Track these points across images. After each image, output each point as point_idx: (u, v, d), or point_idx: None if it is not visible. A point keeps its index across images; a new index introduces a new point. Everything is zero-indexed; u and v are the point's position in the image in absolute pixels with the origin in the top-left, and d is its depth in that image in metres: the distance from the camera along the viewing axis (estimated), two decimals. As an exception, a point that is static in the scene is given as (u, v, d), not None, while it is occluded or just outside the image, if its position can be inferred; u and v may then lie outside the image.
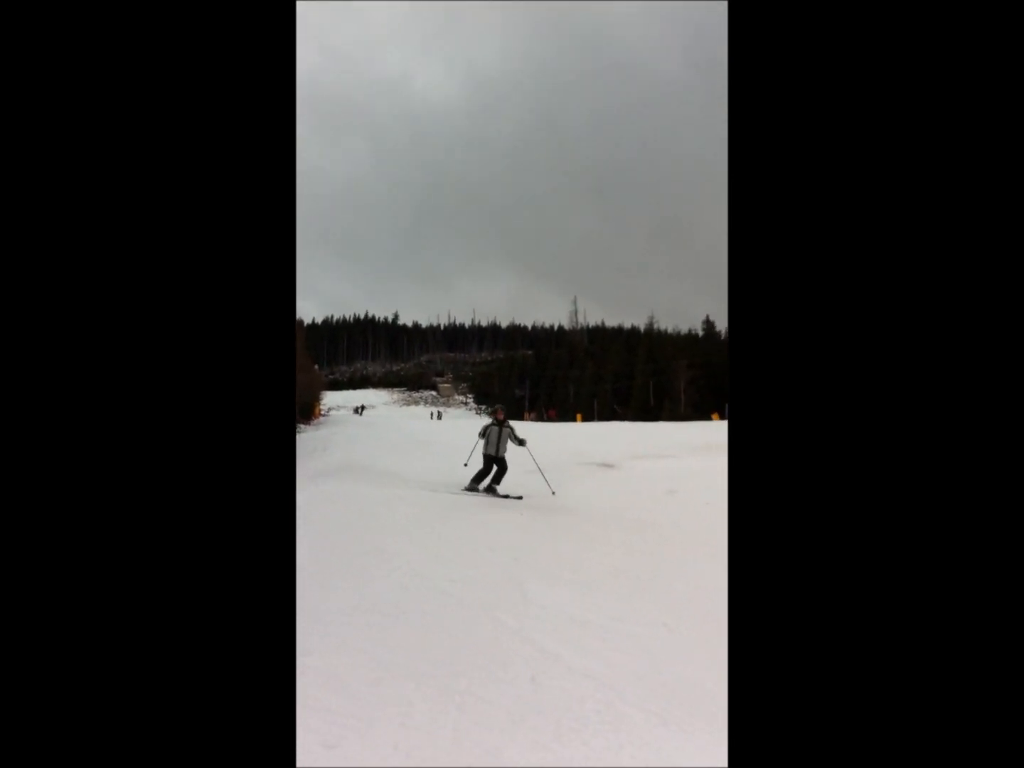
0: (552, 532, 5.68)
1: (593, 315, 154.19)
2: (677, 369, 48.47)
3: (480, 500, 7.40)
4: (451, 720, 2.17)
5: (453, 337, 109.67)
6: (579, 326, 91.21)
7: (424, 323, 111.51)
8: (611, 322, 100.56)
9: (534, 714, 2.23)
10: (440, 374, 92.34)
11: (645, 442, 15.53)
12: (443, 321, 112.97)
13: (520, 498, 7.65)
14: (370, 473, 9.32)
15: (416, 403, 77.07)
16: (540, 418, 47.99)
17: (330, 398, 50.29)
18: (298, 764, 1.61)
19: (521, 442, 8.22)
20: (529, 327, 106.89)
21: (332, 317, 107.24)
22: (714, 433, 16.13)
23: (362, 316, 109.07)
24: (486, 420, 10.91)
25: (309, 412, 25.11)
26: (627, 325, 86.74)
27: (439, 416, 52.07)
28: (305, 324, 77.65)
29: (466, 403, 78.72)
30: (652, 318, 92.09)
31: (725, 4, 1.57)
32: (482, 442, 8.18)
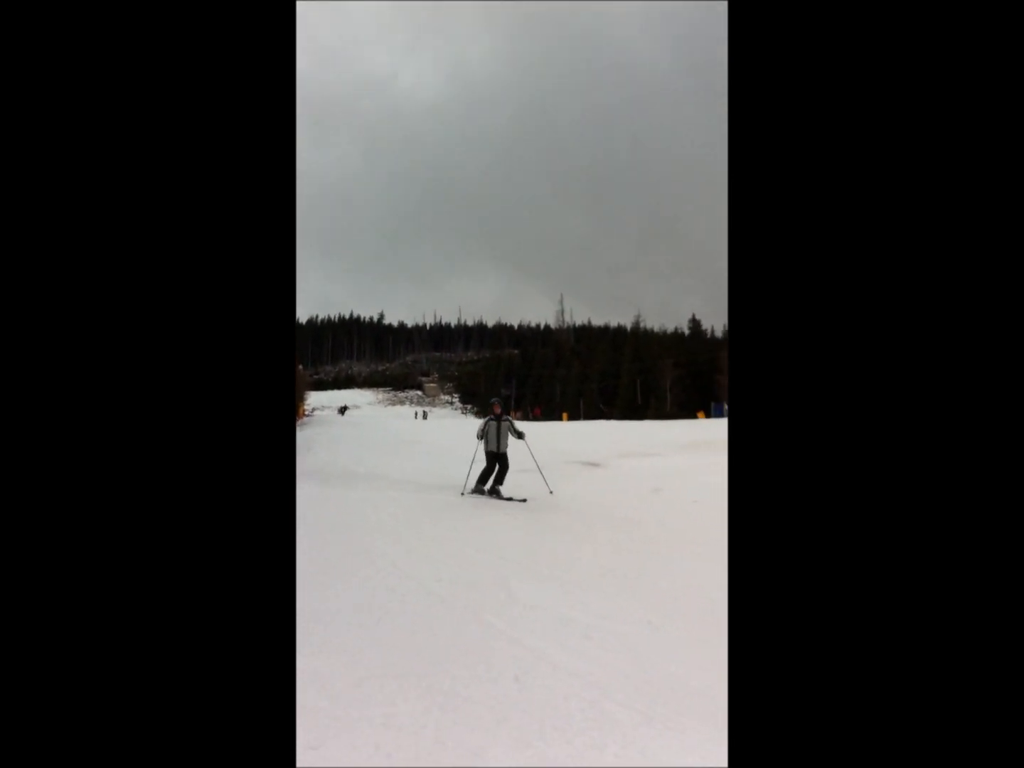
0: (539, 530, 5.68)
1: (580, 314, 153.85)
2: (663, 368, 48.86)
3: (467, 500, 7.33)
4: (434, 720, 2.15)
5: (439, 336, 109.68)
6: (565, 325, 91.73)
7: (410, 322, 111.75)
8: (597, 321, 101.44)
9: (518, 713, 2.22)
10: (426, 374, 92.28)
11: (631, 440, 15.62)
12: (429, 320, 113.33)
13: (524, 501, 7.30)
14: (355, 474, 9.27)
15: (402, 403, 76.98)
16: (526, 417, 48.16)
17: (314, 398, 50.11)
18: (298, 764, 1.60)
19: (520, 435, 7.96)
20: (515, 326, 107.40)
21: (317, 317, 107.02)
22: (700, 431, 16.25)
23: (347, 316, 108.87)
24: (472, 420, 10.84)
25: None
26: (613, 324, 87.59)
27: (424, 416, 51.97)
28: (290, 324, 76.97)
29: (452, 403, 78.73)
30: (638, 317, 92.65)
31: (720, 3, 1.56)
32: (482, 442, 7.85)
